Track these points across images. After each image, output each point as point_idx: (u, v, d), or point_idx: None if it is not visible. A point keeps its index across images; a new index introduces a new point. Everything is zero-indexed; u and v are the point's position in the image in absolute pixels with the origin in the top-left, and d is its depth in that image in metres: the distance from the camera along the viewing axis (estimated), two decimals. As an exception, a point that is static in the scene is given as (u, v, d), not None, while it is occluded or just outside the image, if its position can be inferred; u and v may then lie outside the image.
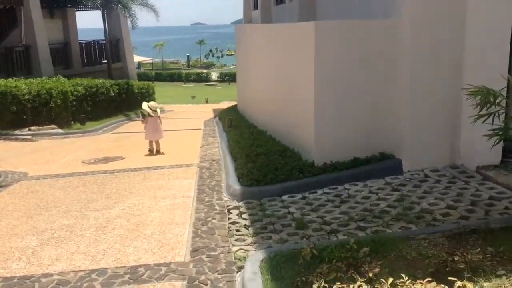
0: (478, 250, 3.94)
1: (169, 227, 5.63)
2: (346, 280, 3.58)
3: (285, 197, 6.39)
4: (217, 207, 6.29)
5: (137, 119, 15.78)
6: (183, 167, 8.66)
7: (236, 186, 6.85)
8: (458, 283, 3.30)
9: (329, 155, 7.03)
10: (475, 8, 6.31)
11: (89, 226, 5.76)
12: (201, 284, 4.23)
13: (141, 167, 8.83)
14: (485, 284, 3.47)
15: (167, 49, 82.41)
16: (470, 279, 3.45)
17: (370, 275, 3.58)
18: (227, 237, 5.25)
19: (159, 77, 51.45)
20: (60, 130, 13.83)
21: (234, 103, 18.50)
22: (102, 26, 22.69)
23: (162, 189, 7.24)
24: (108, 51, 22.87)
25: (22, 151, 11.13)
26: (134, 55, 29.33)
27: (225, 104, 22.36)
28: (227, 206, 6.34)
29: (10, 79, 14.53)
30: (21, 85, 13.96)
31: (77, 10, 23.35)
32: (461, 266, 3.63)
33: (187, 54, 72.50)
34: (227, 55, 75.94)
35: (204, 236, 5.32)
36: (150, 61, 64.21)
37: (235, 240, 5.16)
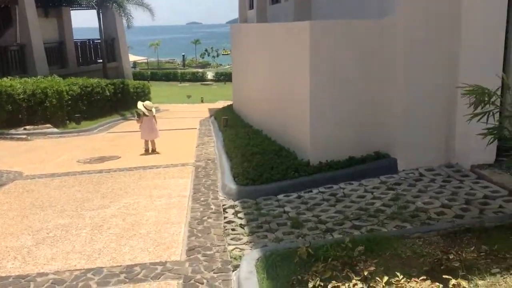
0: (472, 248, 3.96)
1: (165, 226, 5.63)
2: (342, 279, 3.59)
3: (280, 196, 6.40)
4: (212, 206, 6.30)
5: (133, 118, 15.74)
6: (179, 167, 8.65)
7: (232, 186, 6.86)
8: (453, 281, 3.32)
9: (324, 155, 7.04)
10: (469, 8, 6.34)
11: (85, 225, 5.75)
12: (197, 283, 4.24)
13: (136, 166, 8.82)
14: (480, 282, 3.50)
15: (163, 49, 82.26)
16: (464, 277, 3.47)
17: (365, 273, 3.60)
18: (222, 236, 5.26)
19: (154, 77, 51.38)
20: (55, 130, 13.78)
21: (229, 102, 18.50)
22: (97, 25, 22.62)
23: (158, 188, 7.24)
24: (104, 51, 22.80)
25: (17, 150, 11.09)
26: (129, 55, 29.27)
27: (220, 104, 22.36)
28: (223, 205, 6.35)
29: (5, 79, 14.47)
30: (16, 84, 13.90)
31: (72, 9, 23.26)
32: (456, 265, 3.64)
33: (183, 54, 72.41)
34: (222, 54, 75.95)
35: (199, 235, 5.32)
36: (146, 60, 64.09)
37: (231, 239, 5.16)
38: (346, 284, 3.40)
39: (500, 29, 6.31)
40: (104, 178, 7.97)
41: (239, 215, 5.89)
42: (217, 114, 15.09)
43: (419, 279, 3.34)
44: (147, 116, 10.18)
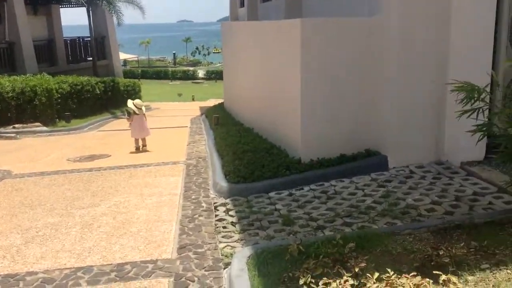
0: (462, 244, 3.99)
1: (156, 224, 5.60)
2: (333, 275, 3.60)
3: (272, 194, 6.40)
4: (204, 204, 6.28)
5: (123, 117, 15.66)
6: (170, 165, 8.62)
7: (223, 183, 6.84)
8: (443, 277, 3.34)
9: (315, 152, 7.05)
10: (459, 7, 6.38)
11: (75, 224, 5.70)
12: (188, 281, 4.22)
13: (127, 164, 8.77)
14: (469, 277, 3.52)
15: (153, 47, 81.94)
16: (454, 273, 3.49)
17: (356, 270, 3.61)
18: (214, 234, 5.25)
19: (145, 75, 51.16)
20: (45, 128, 13.67)
21: (220, 101, 18.46)
22: (87, 23, 22.45)
23: (149, 186, 7.20)
24: (94, 48, 22.65)
25: (6, 149, 10.97)
26: (120, 53, 29.11)
27: (211, 102, 22.32)
28: (214, 203, 6.33)
29: (-7, 76, 14.33)
30: (4, 82, 13.75)
31: (61, 7, 23.09)
32: (446, 261, 3.67)
33: (174, 52, 72.20)
34: (213, 52, 75.80)
35: (191, 233, 5.30)
36: (136, 58, 63.82)
37: (222, 237, 5.15)
38: (337, 281, 3.41)
39: (490, 27, 6.35)
40: (94, 177, 7.92)
41: (230, 213, 5.88)
42: (208, 112, 15.05)
43: (410, 275, 3.35)
44: (137, 114, 10.12)
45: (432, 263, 3.67)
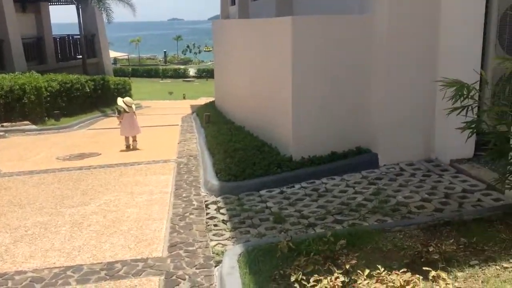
0: (452, 241, 4.02)
1: (146, 222, 5.58)
2: (324, 272, 3.60)
3: (263, 192, 6.40)
4: (195, 203, 6.26)
5: (113, 115, 15.56)
6: (161, 163, 8.58)
7: (214, 182, 6.83)
8: (433, 273, 3.36)
9: (306, 150, 7.06)
10: (448, 6, 6.41)
11: (64, 222, 5.66)
12: (179, 279, 4.21)
13: (117, 163, 8.72)
14: (459, 274, 3.55)
15: (144, 45, 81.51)
16: (444, 269, 3.52)
17: (347, 267, 3.62)
18: (205, 232, 5.23)
19: (135, 73, 50.85)
20: (34, 126, 13.54)
21: (212, 99, 18.42)
22: (77, 21, 22.26)
23: (139, 185, 7.17)
24: (83, 46, 22.47)
25: (-6, 147, 10.85)
26: (110, 51, 28.90)
27: (202, 100, 22.26)
28: (205, 201, 6.32)
29: (-19, 75, 14.16)
30: (-7, 80, 13.60)
31: (50, 4, 22.87)
32: (436, 257, 3.69)
33: (164, 50, 71.82)
34: (204, 51, 75.63)
35: (181, 231, 5.28)
36: (127, 56, 63.38)
37: (213, 235, 5.14)
38: (328, 278, 3.41)
39: (479, 26, 6.39)
40: (84, 175, 7.86)
41: (222, 211, 5.87)
42: (199, 111, 15.00)
43: (400, 271, 3.37)
44: (127, 112, 10.07)
45: (422, 260, 3.69)
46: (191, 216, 5.75)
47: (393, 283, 3.22)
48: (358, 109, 7.11)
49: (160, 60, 70.29)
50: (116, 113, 10.73)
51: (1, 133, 12.53)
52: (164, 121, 15.04)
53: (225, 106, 13.25)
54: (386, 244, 4.20)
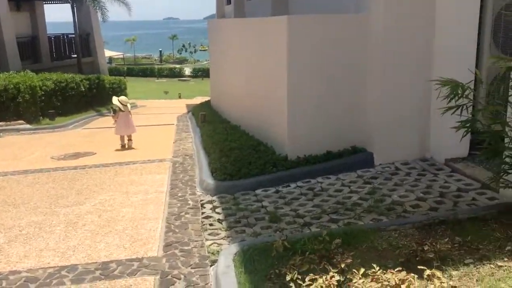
0: (446, 240, 4.03)
1: (142, 222, 5.56)
2: (319, 271, 3.61)
3: (258, 191, 6.40)
4: (190, 202, 6.25)
5: (109, 114, 15.51)
6: (156, 162, 8.56)
7: (210, 181, 6.82)
8: (428, 272, 3.36)
9: (302, 149, 7.07)
10: (443, 6, 6.43)
11: (59, 222, 5.63)
12: (174, 279, 4.20)
13: (112, 162, 8.69)
14: (454, 272, 3.56)
15: (139, 44, 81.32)
16: (439, 268, 3.53)
17: (342, 266, 3.62)
18: (200, 232, 5.23)
19: (131, 72, 50.75)
20: (28, 126, 13.48)
21: (207, 98, 18.40)
22: (71, 19, 22.15)
23: (134, 184, 7.15)
24: (78, 45, 22.36)
25: (-12, 147, 10.79)
26: (105, 50, 28.78)
27: (198, 100, 22.22)
28: (201, 200, 6.31)
29: (-25, 74, 14.07)
30: (-13, 79, 13.52)
31: (45, 3, 22.75)
32: (431, 256, 3.70)
33: (160, 49, 71.70)
34: (200, 50, 75.53)
35: (177, 230, 5.27)
36: (122, 56, 63.23)
37: (209, 234, 5.14)
38: (324, 277, 3.42)
39: (473, 26, 6.41)
40: (79, 175, 7.83)
41: (217, 210, 5.86)
42: (194, 110, 14.98)
43: (395, 270, 3.38)
44: (122, 111, 10.03)
45: (417, 259, 3.70)
46: (187, 216, 5.74)
47: (388, 282, 3.22)
48: (353, 109, 7.12)
49: (155, 60, 70.16)
50: (112, 112, 10.69)
51: (-5, 133, 12.47)
52: (160, 120, 15.00)
53: (221, 106, 13.24)
54: (381, 243, 4.20)
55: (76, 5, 21.92)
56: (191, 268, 4.38)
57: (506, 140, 4.46)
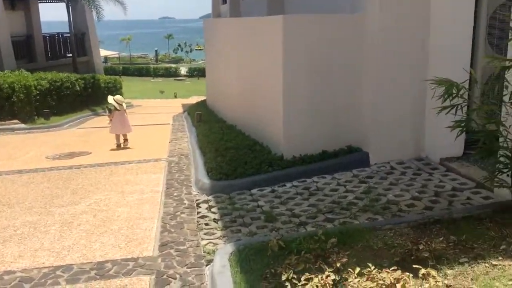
0: (441, 239, 4.04)
1: (137, 222, 5.55)
2: (315, 271, 3.61)
3: (254, 191, 6.40)
4: (186, 202, 6.24)
5: (104, 114, 15.47)
6: (152, 162, 8.55)
7: (205, 180, 6.81)
8: (423, 271, 3.37)
9: (298, 149, 7.07)
10: (438, 6, 6.45)
11: (54, 222, 5.61)
12: (170, 278, 4.19)
13: (108, 162, 8.67)
14: (448, 271, 3.57)
15: (135, 43, 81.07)
16: (434, 267, 3.54)
17: (338, 265, 3.63)
18: (196, 231, 5.22)
19: (126, 72, 50.56)
20: (23, 125, 13.42)
21: (203, 98, 18.37)
22: (67, 19, 22.07)
23: (130, 184, 7.13)
24: (73, 45, 22.28)
25: (-18, 146, 10.74)
26: (100, 49, 28.71)
27: (194, 99, 22.18)
28: (196, 200, 6.30)
29: (-31, 73, 13.99)
30: (-19, 79, 13.44)
31: (40, 2, 22.62)
32: (426, 255, 3.71)
33: (155, 49, 71.49)
34: (196, 49, 75.36)
35: (172, 230, 5.27)
36: (117, 55, 63.02)
37: (204, 234, 5.13)
38: (319, 276, 3.42)
39: (468, 26, 6.44)
40: (74, 174, 7.80)
41: (213, 209, 5.86)
42: (190, 110, 14.96)
43: (390, 269, 3.38)
44: (118, 110, 10.01)
45: (412, 258, 3.71)
46: (182, 215, 5.73)
47: (384, 281, 3.23)
48: (349, 108, 7.13)
49: (151, 59, 69.96)
50: (107, 112, 10.65)
51: (-10, 132, 12.40)
52: (155, 120, 14.98)
53: (217, 105, 13.23)
54: (377, 242, 4.21)
55: (71, 4, 21.83)
56: (187, 268, 4.38)
57: (501, 139, 4.48)
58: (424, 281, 3.32)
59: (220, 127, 10.29)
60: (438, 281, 3.29)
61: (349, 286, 3.31)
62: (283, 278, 3.54)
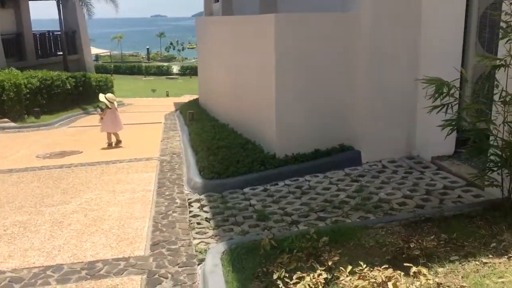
0: (432, 237, 4.06)
1: (128, 221, 5.52)
2: (306, 269, 3.61)
3: (246, 190, 6.39)
4: (178, 201, 6.22)
5: (95, 112, 15.36)
6: (143, 161, 8.51)
7: (197, 179, 6.79)
8: (414, 269, 3.39)
9: (290, 147, 7.07)
10: (429, 5, 6.48)
11: (44, 221, 5.57)
12: (161, 278, 4.18)
13: (99, 161, 8.61)
14: (439, 269, 3.59)
15: (126, 41, 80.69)
16: (425, 265, 3.55)
17: (330, 263, 3.63)
18: (188, 230, 5.20)
19: (118, 70, 50.36)
20: (13, 124, 13.30)
21: (195, 96, 18.32)
22: (57, 16, 21.88)
23: (121, 183, 7.09)
24: (64, 43, 22.10)
25: (-28, 145, 10.62)
26: (91, 47, 28.50)
27: (186, 98, 22.11)
28: (188, 199, 6.28)
29: (-42, 71, 13.83)
30: (-30, 77, 13.31)
31: (30, 0, 22.42)
32: (417, 253, 3.73)
33: (147, 47, 71.23)
34: (188, 48, 75.19)
35: (164, 229, 5.24)
36: (109, 53, 62.65)
37: (196, 233, 5.12)
38: (311, 275, 3.42)
39: (459, 25, 6.47)
40: (64, 174, 7.75)
41: (205, 208, 5.85)
42: (182, 108, 14.92)
43: (382, 267, 3.39)
44: (109, 108, 9.95)
45: (404, 256, 3.72)
46: (174, 214, 5.71)
47: (375, 279, 3.24)
48: (341, 107, 7.14)
49: (143, 57, 69.71)
50: (99, 110, 10.58)
51: (-21, 131, 12.28)
52: (147, 118, 14.91)
53: (209, 104, 13.20)
54: (369, 241, 4.22)
55: (62, 2, 21.65)
56: (179, 267, 4.36)
57: (491, 138, 4.51)
58: (415, 279, 3.33)
59: (212, 125, 10.27)
60: (429, 279, 3.30)
61: (340, 285, 3.32)
62: (275, 277, 3.55)
